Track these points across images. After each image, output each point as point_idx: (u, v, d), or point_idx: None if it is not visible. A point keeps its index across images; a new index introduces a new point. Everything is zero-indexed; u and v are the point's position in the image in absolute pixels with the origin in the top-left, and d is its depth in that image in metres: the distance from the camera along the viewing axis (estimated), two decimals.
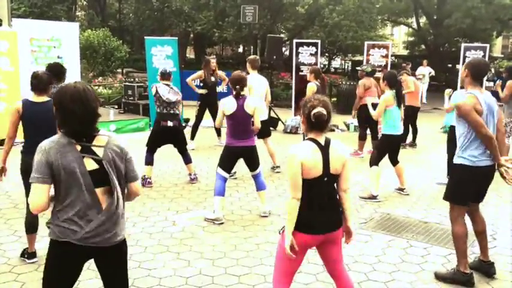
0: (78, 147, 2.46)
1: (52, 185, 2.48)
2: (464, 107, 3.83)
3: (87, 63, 16.23)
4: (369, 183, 6.56)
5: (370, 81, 8.89)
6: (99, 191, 2.51)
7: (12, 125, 4.24)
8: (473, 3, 20.90)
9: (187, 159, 7.07)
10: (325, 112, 2.88)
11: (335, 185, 3.04)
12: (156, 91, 6.68)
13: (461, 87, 4.06)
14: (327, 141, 2.96)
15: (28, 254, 4.32)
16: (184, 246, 4.75)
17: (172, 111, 6.72)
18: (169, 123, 6.71)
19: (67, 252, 2.50)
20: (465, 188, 4.01)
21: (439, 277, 4.16)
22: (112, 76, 16.78)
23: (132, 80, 14.83)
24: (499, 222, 5.62)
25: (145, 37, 12.34)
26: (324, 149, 2.92)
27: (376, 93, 8.67)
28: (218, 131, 9.56)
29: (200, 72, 9.33)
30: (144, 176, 6.69)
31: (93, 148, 2.49)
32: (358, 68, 9.70)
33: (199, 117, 9.34)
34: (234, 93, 5.42)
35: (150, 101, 10.92)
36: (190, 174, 7.12)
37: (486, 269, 4.24)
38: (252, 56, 8.07)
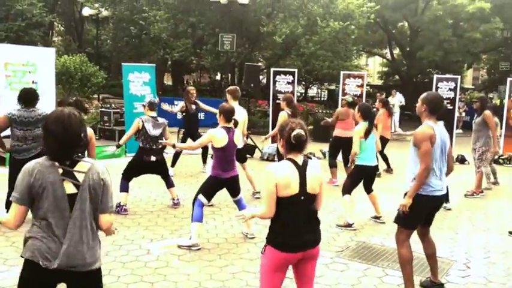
0: (60, 170, 2.56)
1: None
2: (420, 135, 4.10)
3: (62, 88, 16.03)
4: (343, 211, 6.57)
5: (348, 113, 8.82)
6: (75, 215, 2.57)
7: None
8: (444, 37, 21.55)
9: (169, 184, 7.03)
10: (303, 133, 3.08)
11: (313, 204, 3.17)
12: (143, 126, 6.62)
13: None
14: (305, 162, 3.12)
15: None
16: (159, 276, 4.65)
17: (155, 146, 6.65)
18: (152, 158, 6.67)
19: (38, 274, 2.54)
20: (419, 215, 4.24)
21: None
22: (88, 102, 16.61)
23: (108, 106, 14.71)
24: (473, 251, 5.68)
25: (122, 63, 12.33)
26: (301, 169, 3.07)
27: (351, 125, 8.75)
28: (204, 158, 9.56)
29: (182, 104, 9.45)
30: (120, 203, 6.58)
31: (75, 173, 2.58)
32: (341, 97, 9.83)
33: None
34: (231, 124, 5.49)
35: (127, 128, 10.83)
36: (173, 199, 7.07)
37: None
38: (232, 87, 8.10)
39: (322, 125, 13.91)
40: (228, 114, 5.47)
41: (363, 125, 6.40)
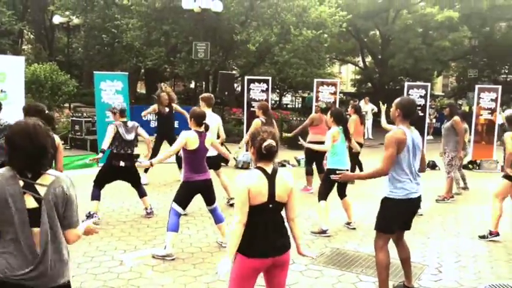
0: (21, 183, 2.42)
1: None
2: (388, 139, 4.18)
3: (32, 97, 15.73)
4: (318, 217, 6.61)
5: (321, 118, 8.86)
6: (36, 231, 2.45)
7: None
8: (415, 45, 22.00)
9: (141, 193, 6.95)
10: (274, 144, 3.09)
11: (282, 212, 3.20)
12: (117, 130, 6.60)
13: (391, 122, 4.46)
14: (274, 170, 3.14)
15: None
16: (132, 287, 4.58)
17: (128, 151, 6.64)
18: (122, 163, 6.63)
19: None
20: (396, 219, 4.32)
21: None
22: (59, 111, 16.34)
23: (79, 114, 14.49)
24: (444, 255, 5.77)
25: (94, 72, 12.16)
26: (271, 177, 3.10)
27: (324, 131, 8.76)
28: (180, 164, 9.44)
29: (154, 106, 9.46)
30: (90, 212, 6.47)
31: (36, 186, 2.44)
32: (315, 104, 9.93)
33: (155, 151, 9.04)
34: (202, 128, 5.48)
35: (99, 137, 10.67)
36: (146, 209, 6.98)
37: None
38: (206, 94, 8.08)
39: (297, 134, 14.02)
40: (199, 119, 5.49)
41: (336, 129, 6.48)
